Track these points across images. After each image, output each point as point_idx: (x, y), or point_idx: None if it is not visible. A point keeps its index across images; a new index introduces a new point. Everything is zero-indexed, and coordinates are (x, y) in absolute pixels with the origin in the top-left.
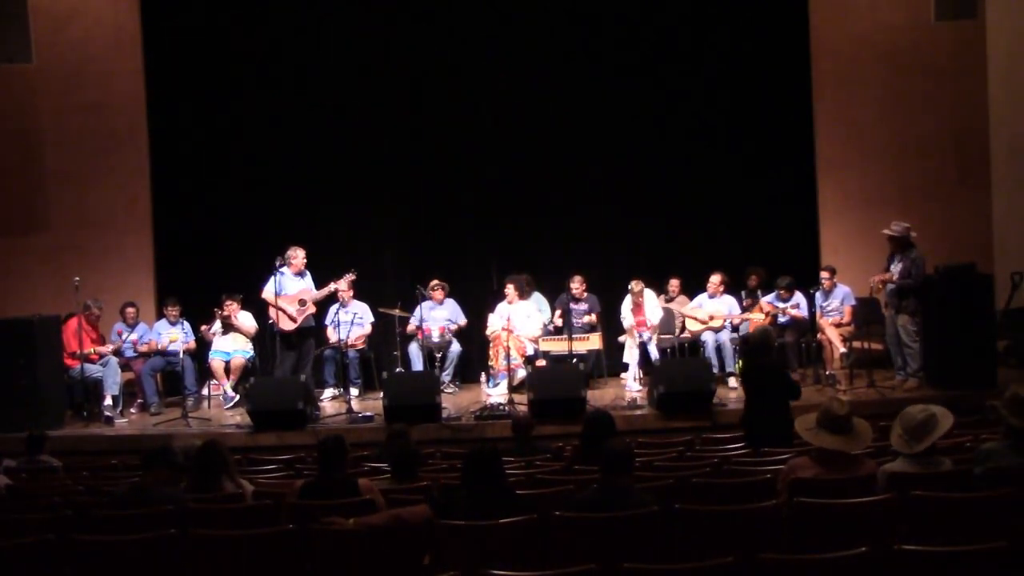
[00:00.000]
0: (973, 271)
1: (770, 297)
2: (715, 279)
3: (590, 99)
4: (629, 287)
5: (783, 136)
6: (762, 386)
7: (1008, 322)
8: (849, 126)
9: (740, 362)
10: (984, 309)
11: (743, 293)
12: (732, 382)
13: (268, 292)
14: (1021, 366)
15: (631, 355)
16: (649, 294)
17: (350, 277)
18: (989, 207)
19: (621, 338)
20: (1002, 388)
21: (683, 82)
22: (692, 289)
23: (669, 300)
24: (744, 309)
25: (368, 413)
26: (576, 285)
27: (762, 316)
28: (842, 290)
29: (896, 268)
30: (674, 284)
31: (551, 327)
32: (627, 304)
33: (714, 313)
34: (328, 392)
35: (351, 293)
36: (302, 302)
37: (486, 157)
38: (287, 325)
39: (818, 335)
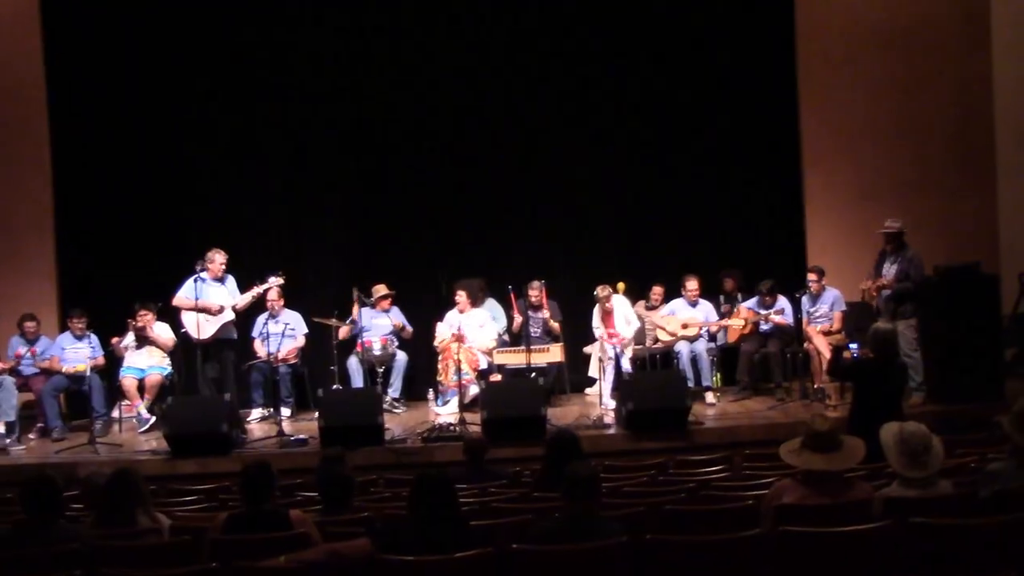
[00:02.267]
0: (977, 271)
1: (751, 302)
2: (692, 284)
3: (544, 88)
4: (594, 293)
5: (764, 124)
6: (879, 386)
7: (1016, 328)
8: (838, 111)
9: (717, 375)
10: (989, 314)
11: (721, 298)
12: (709, 397)
13: (181, 298)
14: None
15: (598, 368)
16: (621, 301)
17: (277, 281)
18: (994, 200)
19: (587, 349)
20: (1009, 402)
21: (651, 64)
22: (670, 296)
23: (650, 309)
24: (722, 316)
25: (302, 436)
26: (534, 291)
27: (741, 323)
28: (831, 294)
29: (891, 271)
30: (657, 292)
31: (507, 337)
32: (596, 312)
33: (688, 321)
34: (256, 413)
35: (281, 301)
36: (221, 309)
37: (434, 150)
38: (204, 332)
39: (805, 344)
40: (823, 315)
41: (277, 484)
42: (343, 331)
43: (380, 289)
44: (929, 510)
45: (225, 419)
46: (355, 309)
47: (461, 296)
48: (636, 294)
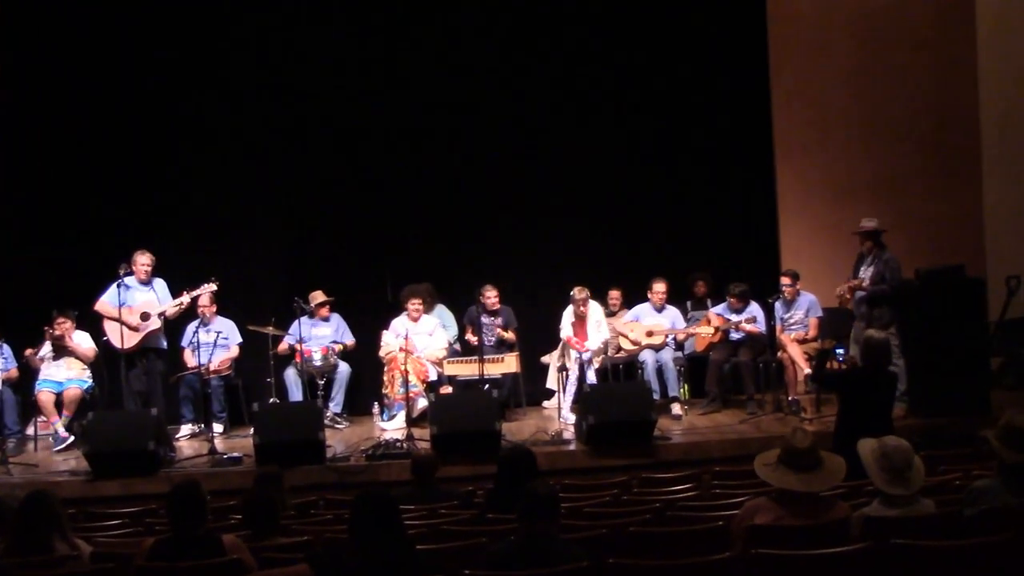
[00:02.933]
0: (962, 274)
1: (720, 308)
2: (660, 288)
3: (492, 81)
4: (571, 294)
5: (734, 117)
6: (869, 396)
7: (1003, 335)
8: (812, 104)
9: (685, 387)
10: (975, 320)
11: (688, 304)
12: (676, 410)
13: (104, 303)
14: (1019, 387)
15: (557, 379)
16: (595, 308)
17: (210, 287)
18: (979, 198)
19: (544, 359)
20: (996, 415)
21: (613, 53)
22: (629, 300)
23: (609, 315)
24: (689, 323)
25: (236, 454)
26: (489, 294)
27: (710, 331)
28: (806, 299)
29: (867, 273)
30: (614, 296)
31: (458, 346)
32: (567, 316)
33: (654, 328)
34: (186, 429)
35: (213, 308)
36: (145, 315)
37: (379, 148)
38: (128, 341)
39: (778, 353)
40: (798, 322)
41: (208, 506)
42: (282, 346)
43: (318, 296)
44: (911, 530)
45: (152, 436)
46: (297, 324)
47: (416, 304)
48: (596, 299)
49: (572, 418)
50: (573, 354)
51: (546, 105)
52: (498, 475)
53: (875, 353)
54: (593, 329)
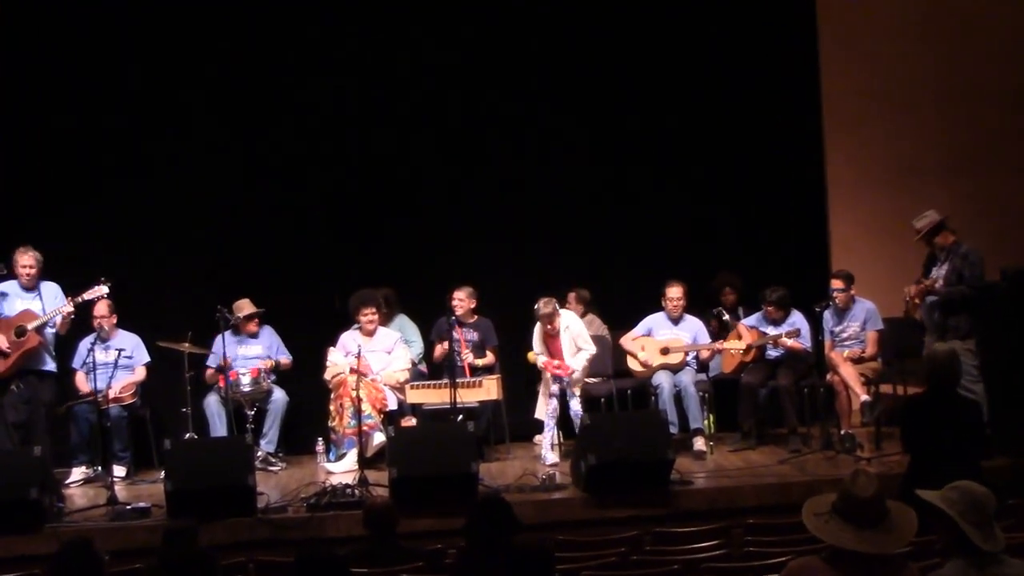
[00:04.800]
0: None
1: (753, 319)
2: (675, 293)
3: (487, 56)
4: (535, 308)
5: (770, 78)
6: (942, 432)
7: None
8: (869, 62)
9: (710, 417)
10: None
11: (714, 312)
12: (699, 446)
13: None
14: None
15: (546, 408)
16: (571, 319)
17: (99, 290)
18: None
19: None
20: None
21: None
22: (634, 307)
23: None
24: (715, 337)
25: (142, 504)
26: (461, 301)
27: (742, 347)
28: (862, 307)
29: (940, 272)
30: (572, 296)
31: (424, 367)
32: (536, 333)
33: (670, 343)
34: (78, 472)
35: (113, 319)
36: (20, 331)
37: (325, 119)
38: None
39: (828, 376)
40: (852, 336)
41: (106, 572)
42: (208, 373)
43: (244, 306)
44: None
45: (33, 482)
46: (220, 339)
47: (371, 314)
48: (602, 308)
49: (552, 458)
50: (551, 381)
51: (538, 74)
52: (469, 529)
53: (939, 371)
54: (569, 346)
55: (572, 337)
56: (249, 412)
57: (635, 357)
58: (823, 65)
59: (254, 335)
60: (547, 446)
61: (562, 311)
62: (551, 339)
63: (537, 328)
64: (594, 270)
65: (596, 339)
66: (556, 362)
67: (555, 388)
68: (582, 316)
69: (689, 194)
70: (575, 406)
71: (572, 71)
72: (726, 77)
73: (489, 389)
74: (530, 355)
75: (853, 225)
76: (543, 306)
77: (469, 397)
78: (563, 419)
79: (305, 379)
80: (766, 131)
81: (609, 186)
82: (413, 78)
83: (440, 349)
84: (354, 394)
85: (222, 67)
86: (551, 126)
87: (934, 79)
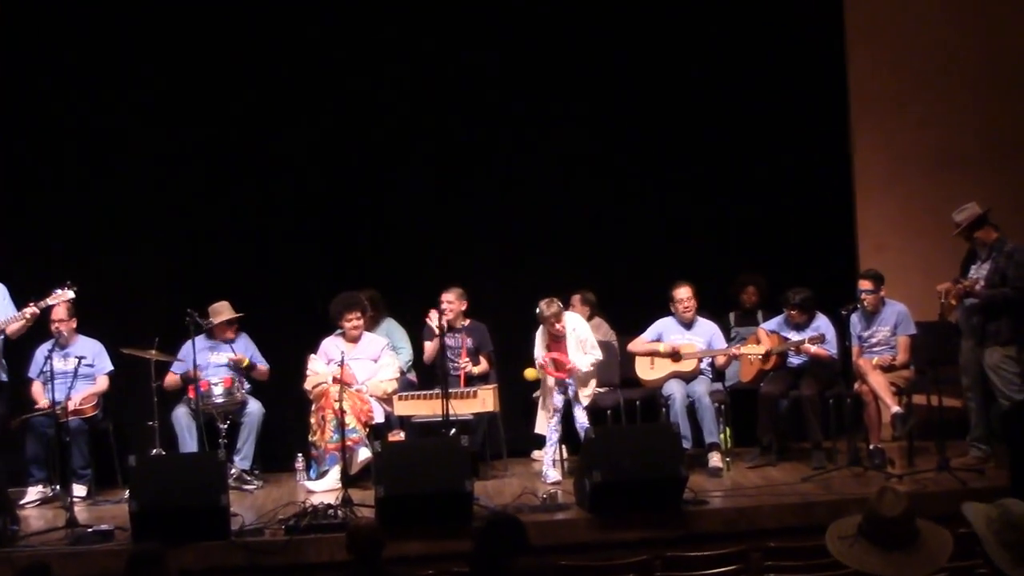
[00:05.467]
0: None
1: (775, 323)
2: (683, 294)
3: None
4: (537, 311)
5: (793, 55)
6: None
7: None
8: (902, 41)
9: (727, 431)
10: None
11: (731, 317)
12: (715, 462)
13: None
14: None
15: (547, 422)
16: (576, 322)
17: (64, 295)
18: None
19: (536, 394)
20: None
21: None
22: (642, 312)
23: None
24: (732, 342)
25: (104, 526)
26: (450, 303)
27: (761, 351)
28: (893, 310)
29: (980, 272)
30: (576, 299)
31: (413, 376)
32: (539, 338)
33: (684, 348)
34: (34, 492)
35: (72, 324)
36: None
37: (304, 108)
38: None
39: (856, 385)
40: (882, 341)
41: None
42: (170, 379)
43: (222, 310)
44: None
45: None
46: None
47: (355, 319)
48: (608, 313)
49: (554, 475)
50: (555, 390)
51: (538, 66)
52: (474, 553)
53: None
54: (576, 349)
55: (579, 341)
56: (222, 425)
57: (655, 354)
58: (849, 45)
59: (230, 341)
60: (548, 462)
61: (567, 313)
62: (555, 343)
63: (539, 332)
64: (599, 271)
65: (603, 345)
66: (555, 355)
67: (559, 399)
68: (588, 320)
69: (702, 188)
70: (581, 418)
71: (573, 60)
72: (741, 58)
73: (485, 400)
74: (528, 372)
75: (883, 220)
76: (546, 307)
77: (463, 409)
78: (567, 432)
79: (283, 389)
80: (786, 118)
81: (614, 180)
82: (401, 72)
83: (432, 347)
84: (337, 406)
85: (192, 63)
86: (550, 117)
87: (972, 60)
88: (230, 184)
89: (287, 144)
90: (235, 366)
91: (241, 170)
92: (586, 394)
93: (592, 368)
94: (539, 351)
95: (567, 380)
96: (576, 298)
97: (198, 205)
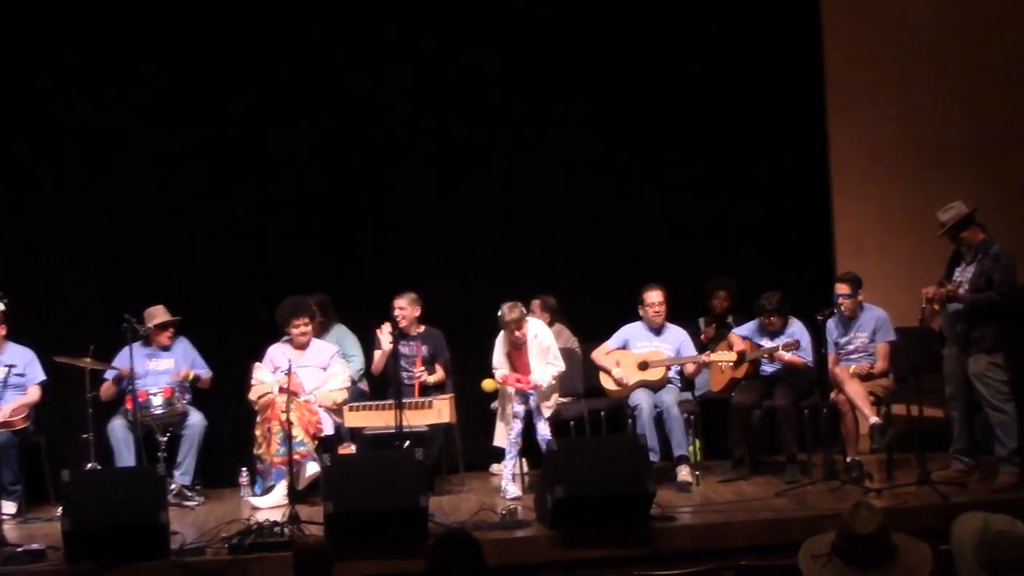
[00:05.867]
0: None
1: (747, 328)
2: (654, 298)
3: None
4: (499, 314)
5: (762, 43)
6: None
7: None
8: (883, 29)
9: (696, 443)
10: None
11: (701, 323)
12: (684, 476)
13: None
14: None
15: (507, 434)
16: (539, 328)
17: None
18: None
19: (493, 405)
20: None
21: None
22: (608, 317)
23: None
24: (703, 348)
25: (36, 546)
26: (403, 309)
27: (732, 357)
28: (872, 315)
29: (965, 275)
30: (536, 304)
31: (365, 385)
32: (499, 344)
33: (650, 357)
34: None
35: (3, 331)
36: None
37: (245, 114)
38: None
39: (832, 395)
40: (860, 348)
41: None
42: (105, 388)
43: (157, 313)
44: None
45: None
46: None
47: (303, 325)
48: (571, 318)
49: (513, 491)
50: (515, 399)
51: (497, 58)
52: (429, 573)
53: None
54: (538, 358)
55: (540, 349)
56: (161, 438)
57: (609, 374)
58: (825, 34)
59: (167, 347)
60: (508, 476)
61: (530, 319)
62: (516, 351)
63: (500, 339)
64: (560, 274)
65: (565, 353)
66: (514, 375)
67: (519, 408)
68: (548, 326)
69: (668, 188)
70: (543, 430)
71: (533, 53)
72: (707, 47)
73: (440, 411)
74: (486, 383)
75: (861, 220)
76: (508, 311)
77: (417, 420)
78: (528, 445)
79: (227, 400)
80: (758, 113)
81: (575, 177)
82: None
83: (379, 358)
84: (284, 417)
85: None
86: (506, 107)
87: (956, 50)
88: (168, 184)
89: (225, 141)
90: (179, 382)
91: (179, 169)
92: (548, 406)
93: (554, 381)
94: (498, 358)
95: (530, 394)
96: (536, 303)
97: (133, 207)
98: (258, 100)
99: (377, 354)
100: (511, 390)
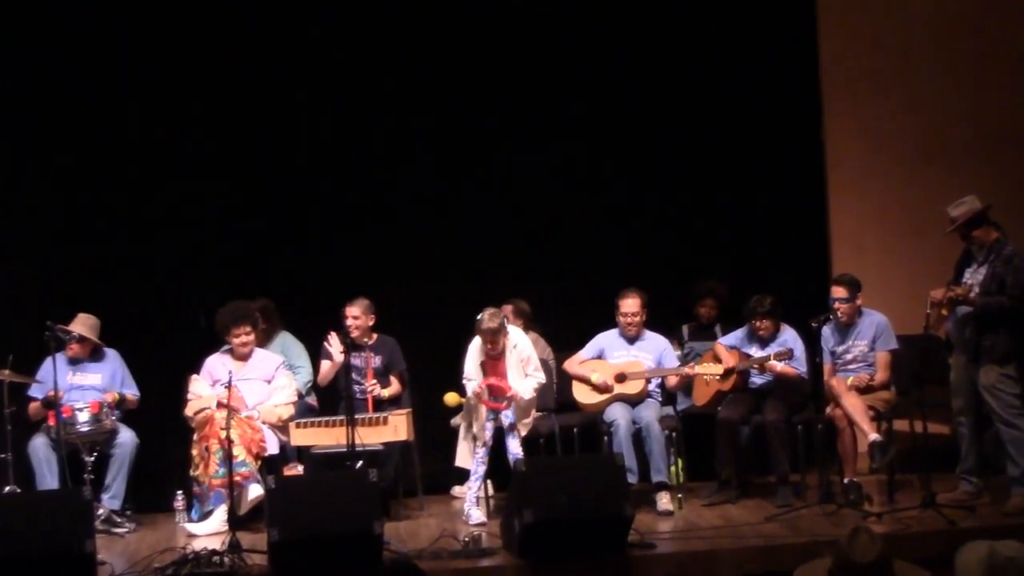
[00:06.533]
0: None
1: (734, 337)
2: (631, 305)
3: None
4: (478, 320)
5: (754, 30)
6: None
7: None
8: (882, 16)
9: (679, 462)
10: None
11: (684, 331)
12: (664, 502)
13: None
14: None
15: (471, 454)
16: (518, 336)
17: None
18: None
19: (454, 421)
20: None
21: None
22: (581, 325)
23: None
24: (686, 360)
25: None
26: (356, 318)
27: (719, 370)
28: (872, 321)
29: (975, 278)
30: (508, 310)
31: (313, 399)
32: (473, 353)
33: (627, 368)
34: None
35: None
36: None
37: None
38: None
39: (828, 409)
40: (858, 358)
41: None
42: (34, 409)
43: (82, 321)
44: None
45: None
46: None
47: (244, 334)
48: (541, 326)
49: (478, 515)
50: (484, 416)
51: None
52: None
53: None
54: (516, 370)
55: (520, 360)
56: (88, 458)
57: (587, 381)
58: (821, 19)
59: (94, 359)
60: (472, 500)
61: (510, 328)
62: (492, 361)
63: (474, 347)
64: (530, 278)
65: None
66: (494, 381)
67: (489, 426)
68: None
69: (650, 182)
70: (515, 448)
71: (507, 43)
72: (695, 36)
73: (396, 427)
74: (449, 396)
75: (859, 218)
76: (488, 319)
77: (371, 438)
78: (494, 464)
79: (160, 416)
80: (749, 103)
81: (548, 171)
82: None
83: (327, 369)
84: (223, 435)
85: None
86: (479, 105)
87: (961, 37)
88: (94, 183)
89: (157, 137)
90: (107, 404)
91: (107, 167)
92: (526, 423)
93: (535, 394)
94: (471, 369)
95: (503, 413)
96: (508, 308)
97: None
98: (198, 95)
99: (325, 364)
100: (478, 404)
